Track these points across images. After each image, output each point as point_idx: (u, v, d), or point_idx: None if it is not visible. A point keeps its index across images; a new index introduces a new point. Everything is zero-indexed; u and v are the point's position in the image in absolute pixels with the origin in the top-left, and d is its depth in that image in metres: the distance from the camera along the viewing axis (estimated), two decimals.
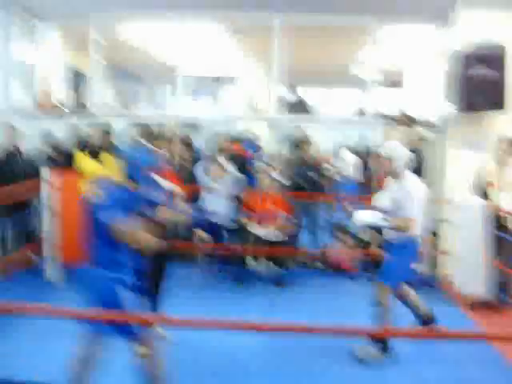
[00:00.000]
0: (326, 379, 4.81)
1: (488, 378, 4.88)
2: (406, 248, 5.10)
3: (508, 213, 6.46)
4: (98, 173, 7.93)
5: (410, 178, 5.14)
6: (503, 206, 6.51)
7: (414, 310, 5.29)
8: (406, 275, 5.22)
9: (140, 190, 3.98)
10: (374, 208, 5.25)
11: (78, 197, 7.19)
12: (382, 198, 5.28)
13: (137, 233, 3.76)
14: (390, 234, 5.23)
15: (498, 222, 6.56)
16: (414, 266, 5.56)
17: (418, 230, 5.11)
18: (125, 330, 3.75)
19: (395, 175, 5.11)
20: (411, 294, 5.29)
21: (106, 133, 8.61)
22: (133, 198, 3.91)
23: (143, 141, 4.17)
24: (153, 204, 4.03)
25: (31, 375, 3.54)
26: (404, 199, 4.97)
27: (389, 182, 5.25)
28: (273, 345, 5.25)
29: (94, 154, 8.07)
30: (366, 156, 11.75)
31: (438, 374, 4.94)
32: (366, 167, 10.32)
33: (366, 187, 8.68)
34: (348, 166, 10.73)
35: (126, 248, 3.82)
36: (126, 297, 3.83)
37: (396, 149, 5.15)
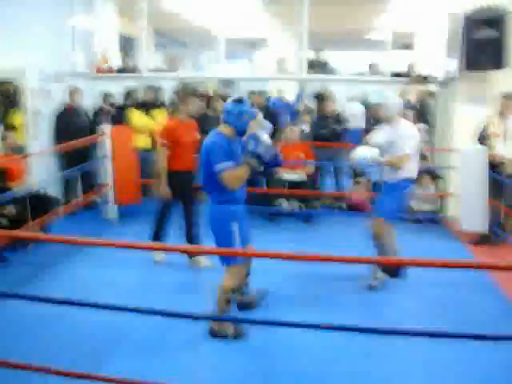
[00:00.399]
0: (341, 300, 4.93)
1: (481, 300, 4.98)
2: (397, 188, 5.11)
3: (508, 160, 6.40)
4: (149, 126, 8.05)
5: (403, 122, 5.15)
6: (504, 154, 6.44)
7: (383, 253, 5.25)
8: (394, 212, 5.24)
9: (240, 139, 4.00)
10: (369, 144, 5.24)
11: (131, 147, 7.39)
12: (375, 137, 5.28)
13: (233, 174, 3.85)
14: (385, 175, 5.21)
15: (499, 168, 6.52)
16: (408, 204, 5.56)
17: (413, 171, 5.12)
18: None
19: (388, 120, 5.09)
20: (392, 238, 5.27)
21: (156, 92, 8.67)
22: (233, 146, 3.94)
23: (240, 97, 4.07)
24: (251, 151, 3.88)
25: (96, 297, 3.69)
26: (396, 139, 4.97)
27: (383, 126, 5.23)
28: (300, 271, 5.36)
29: (146, 110, 8.16)
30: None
31: (440, 296, 5.06)
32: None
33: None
34: (356, 115, 10.84)
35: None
36: (237, 229, 3.99)
37: (387, 97, 5.13)
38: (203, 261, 5.65)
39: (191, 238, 5.76)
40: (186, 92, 5.75)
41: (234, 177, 3.85)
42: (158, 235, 5.80)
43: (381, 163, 5.09)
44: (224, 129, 3.95)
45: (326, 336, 3.80)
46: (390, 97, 5.17)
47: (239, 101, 3.96)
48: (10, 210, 5.80)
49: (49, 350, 3.90)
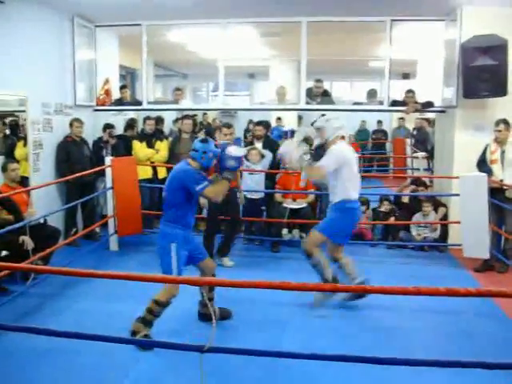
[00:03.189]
0: (352, 329, 4.86)
1: (488, 328, 4.92)
2: (336, 209, 5.21)
3: (508, 186, 6.40)
4: (152, 158, 8.09)
5: (341, 144, 5.18)
6: (505, 180, 6.45)
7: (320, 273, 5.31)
8: (338, 233, 5.28)
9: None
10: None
11: (133, 178, 7.40)
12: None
13: (215, 189, 4.52)
14: (332, 198, 5.27)
15: (501, 195, 6.51)
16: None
17: (346, 192, 5.13)
18: None
19: (327, 143, 5.15)
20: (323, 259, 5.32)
21: (158, 123, 8.72)
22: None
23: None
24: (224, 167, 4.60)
25: (99, 327, 3.67)
26: (325, 155, 5.07)
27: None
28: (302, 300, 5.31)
29: (148, 141, 8.19)
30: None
31: (446, 324, 4.99)
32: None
33: None
34: None
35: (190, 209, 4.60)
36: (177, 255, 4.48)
37: (328, 120, 5.17)
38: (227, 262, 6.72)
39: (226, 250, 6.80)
40: (219, 124, 6.35)
41: (215, 191, 4.53)
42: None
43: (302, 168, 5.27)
44: (192, 162, 4.56)
45: (337, 366, 3.74)
46: (332, 120, 5.18)
47: (205, 141, 4.62)
48: (25, 239, 5.72)
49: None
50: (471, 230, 6.49)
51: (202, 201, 6.38)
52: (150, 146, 8.18)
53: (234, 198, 6.78)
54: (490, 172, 6.51)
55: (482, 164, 6.66)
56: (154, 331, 4.42)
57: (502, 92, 6.92)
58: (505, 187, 6.44)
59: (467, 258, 6.69)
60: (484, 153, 6.68)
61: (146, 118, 8.46)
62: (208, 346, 2.85)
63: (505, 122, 6.51)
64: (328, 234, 5.23)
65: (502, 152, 6.51)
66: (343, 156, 5.09)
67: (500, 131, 6.46)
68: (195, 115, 11.31)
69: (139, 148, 8.12)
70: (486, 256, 6.53)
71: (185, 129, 8.27)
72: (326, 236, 5.24)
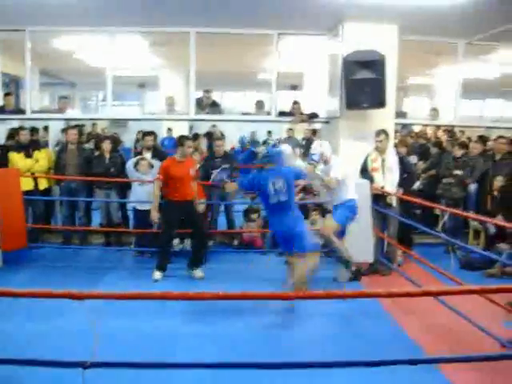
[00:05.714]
0: (235, 335, 4.85)
1: (374, 327, 5.10)
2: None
3: (388, 192, 6.70)
4: (31, 169, 7.70)
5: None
6: (386, 187, 6.73)
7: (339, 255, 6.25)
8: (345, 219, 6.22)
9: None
10: None
11: (16, 190, 6.99)
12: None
13: None
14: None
15: (383, 201, 6.79)
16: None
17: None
18: None
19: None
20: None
21: (35, 132, 8.35)
22: None
23: None
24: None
25: None
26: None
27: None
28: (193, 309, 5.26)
29: (27, 152, 7.79)
30: None
31: (333, 326, 5.13)
32: None
33: None
34: None
35: None
36: None
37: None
38: (198, 273, 6.65)
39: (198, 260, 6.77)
40: (182, 136, 6.78)
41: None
42: (163, 265, 6.58)
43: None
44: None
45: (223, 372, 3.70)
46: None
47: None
48: None
49: None
50: (356, 235, 6.70)
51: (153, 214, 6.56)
52: (28, 156, 7.78)
53: (195, 209, 6.87)
54: (371, 179, 6.79)
55: (364, 172, 6.93)
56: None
57: (381, 104, 7.26)
58: (386, 194, 6.73)
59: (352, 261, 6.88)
60: (365, 161, 6.95)
61: (20, 129, 8.07)
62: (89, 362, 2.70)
63: (384, 132, 6.81)
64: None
65: (383, 160, 6.80)
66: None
67: (380, 141, 6.76)
68: (83, 125, 10.94)
69: (18, 159, 7.69)
70: (371, 260, 6.78)
71: (70, 139, 7.98)
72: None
